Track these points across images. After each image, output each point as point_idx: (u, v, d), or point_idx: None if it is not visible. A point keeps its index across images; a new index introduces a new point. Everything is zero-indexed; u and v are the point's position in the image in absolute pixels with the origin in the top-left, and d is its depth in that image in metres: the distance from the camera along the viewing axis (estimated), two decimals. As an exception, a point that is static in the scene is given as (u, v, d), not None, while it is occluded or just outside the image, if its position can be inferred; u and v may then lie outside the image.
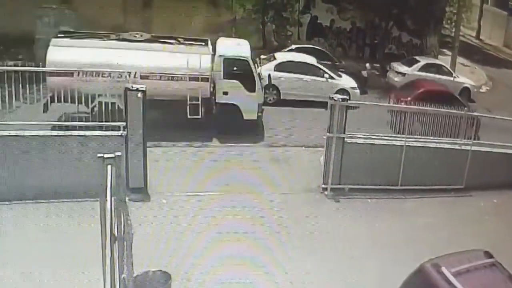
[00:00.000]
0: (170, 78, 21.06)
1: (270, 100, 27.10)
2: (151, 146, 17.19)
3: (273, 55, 29.37)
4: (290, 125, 24.11)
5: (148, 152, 16.81)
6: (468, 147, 19.72)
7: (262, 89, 23.17)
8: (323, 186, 18.39)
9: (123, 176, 12.62)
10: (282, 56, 28.94)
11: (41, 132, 15.77)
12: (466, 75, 36.55)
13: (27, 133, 15.64)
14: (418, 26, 39.28)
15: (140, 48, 21.21)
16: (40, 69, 17.82)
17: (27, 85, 16.39)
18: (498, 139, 20.72)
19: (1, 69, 16.66)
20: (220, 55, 22.11)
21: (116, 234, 9.38)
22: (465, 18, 46.97)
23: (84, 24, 30.87)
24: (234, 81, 22.12)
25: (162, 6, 34.53)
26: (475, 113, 22.06)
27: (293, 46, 32.47)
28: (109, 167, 9.34)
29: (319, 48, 33.05)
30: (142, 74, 20.24)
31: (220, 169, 19.13)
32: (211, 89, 21.95)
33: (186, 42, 22.36)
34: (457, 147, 19.89)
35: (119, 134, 16.13)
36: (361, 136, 18.70)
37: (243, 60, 22.37)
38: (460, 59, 38.81)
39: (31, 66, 17.19)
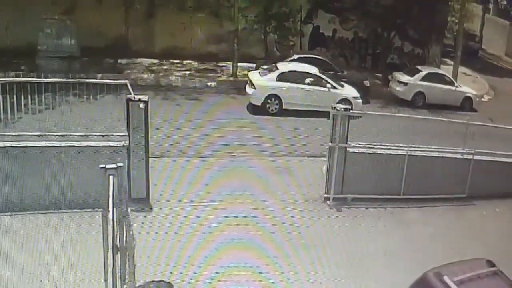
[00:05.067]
0: None
1: (272, 110, 27.20)
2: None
3: (275, 65, 29.27)
4: (292, 134, 24.07)
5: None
6: (470, 156, 19.68)
7: None
8: (326, 195, 18.31)
9: (125, 186, 12.68)
10: (284, 66, 28.89)
11: (42, 143, 15.73)
12: (468, 85, 36.58)
13: (29, 143, 15.58)
14: (420, 36, 39.36)
15: None
16: (42, 80, 17.87)
17: (29, 96, 16.38)
18: (500, 148, 20.68)
19: (3, 80, 16.71)
20: None
21: (118, 245, 9.39)
22: (467, 27, 46.96)
23: (85, 35, 31.11)
24: None
25: (164, 17, 34.63)
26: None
27: (295, 56, 32.20)
28: (111, 177, 9.37)
29: (321, 58, 32.70)
30: None
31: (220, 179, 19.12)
32: None
33: None
34: (459, 156, 19.84)
35: (121, 145, 16.13)
36: (363, 145, 18.68)
37: None
38: (462, 69, 38.86)
39: (33, 77, 17.25)
